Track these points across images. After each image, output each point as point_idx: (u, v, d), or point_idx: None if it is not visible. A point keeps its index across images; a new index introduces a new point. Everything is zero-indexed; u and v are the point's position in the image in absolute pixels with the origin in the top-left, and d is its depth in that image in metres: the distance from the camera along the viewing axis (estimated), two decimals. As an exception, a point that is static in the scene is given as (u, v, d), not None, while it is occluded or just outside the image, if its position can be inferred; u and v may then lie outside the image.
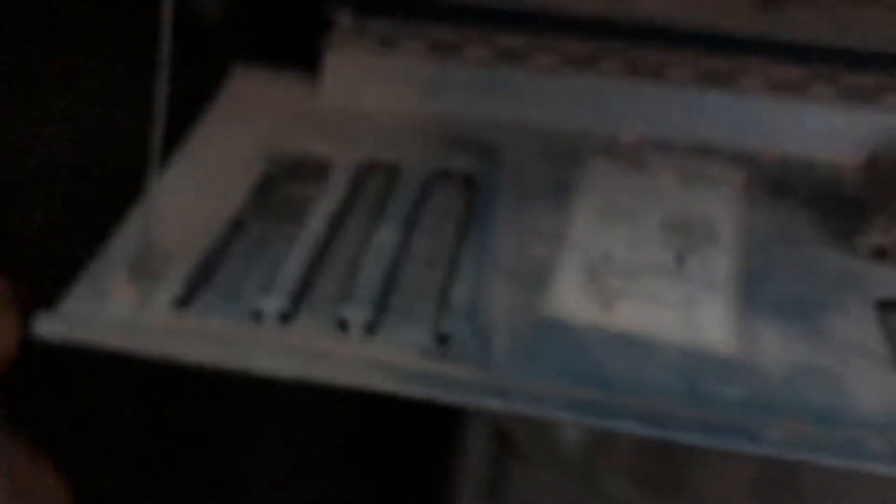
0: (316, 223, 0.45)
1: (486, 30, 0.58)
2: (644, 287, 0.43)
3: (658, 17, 0.55)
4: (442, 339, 0.39)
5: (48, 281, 0.79)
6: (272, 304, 0.40)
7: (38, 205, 0.83)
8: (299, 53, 0.60)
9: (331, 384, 0.38)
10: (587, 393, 0.38)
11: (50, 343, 0.40)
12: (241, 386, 0.81)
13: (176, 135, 0.55)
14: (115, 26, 0.81)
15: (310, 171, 0.50)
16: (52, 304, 0.42)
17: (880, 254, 0.45)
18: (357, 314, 0.39)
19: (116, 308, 0.40)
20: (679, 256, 0.45)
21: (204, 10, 0.56)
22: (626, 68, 0.56)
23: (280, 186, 0.49)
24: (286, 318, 0.40)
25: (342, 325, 0.39)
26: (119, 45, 0.82)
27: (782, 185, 0.51)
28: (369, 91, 0.56)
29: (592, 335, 0.41)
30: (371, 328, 0.39)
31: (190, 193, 0.47)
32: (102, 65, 0.83)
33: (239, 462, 0.81)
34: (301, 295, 0.41)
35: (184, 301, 0.40)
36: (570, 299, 0.42)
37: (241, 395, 0.83)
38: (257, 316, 0.40)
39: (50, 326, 0.40)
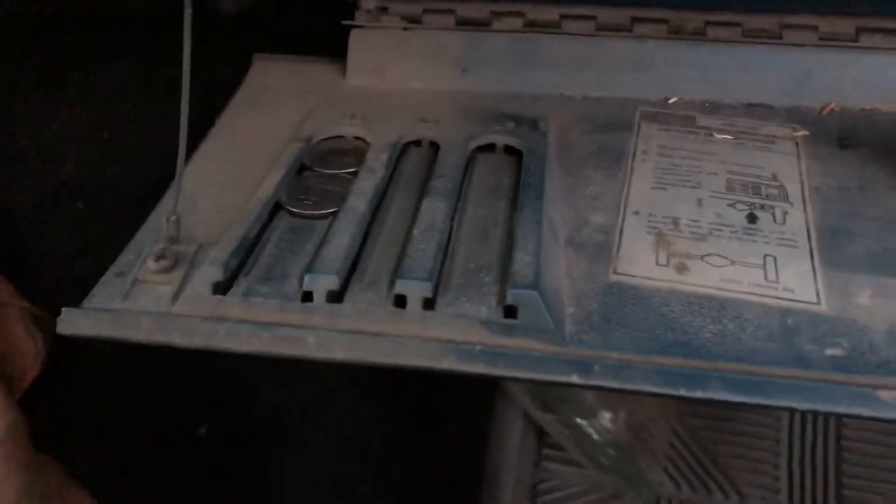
0: (358, 201, 0.41)
1: (514, 2, 0.55)
2: (718, 248, 0.40)
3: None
4: (508, 312, 0.35)
5: (69, 301, 0.76)
6: (320, 284, 0.36)
7: (57, 224, 0.81)
8: (320, 44, 0.58)
9: (392, 365, 0.34)
10: (673, 361, 0.34)
11: (79, 339, 0.37)
12: (273, 396, 0.78)
13: (200, 128, 0.53)
14: (131, 41, 0.79)
15: (344, 152, 0.47)
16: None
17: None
18: (414, 290, 0.36)
19: (148, 299, 0.37)
20: (751, 215, 0.42)
21: (222, 3, 0.53)
22: (665, 31, 0.53)
23: (315, 168, 0.45)
24: (336, 297, 0.36)
25: (399, 302, 0.36)
26: (135, 59, 0.81)
27: (847, 138, 0.48)
28: (397, 70, 0.53)
29: (670, 300, 0.37)
30: (429, 304, 0.36)
31: (219, 180, 0.44)
32: (119, 79, 0.82)
33: (277, 464, 0.78)
34: (350, 274, 0.38)
35: (224, 287, 0.37)
36: (641, 265, 0.39)
37: (274, 407, 0.80)
38: (305, 297, 0.36)
39: (77, 322, 0.36)
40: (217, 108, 0.55)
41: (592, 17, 0.54)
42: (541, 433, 0.78)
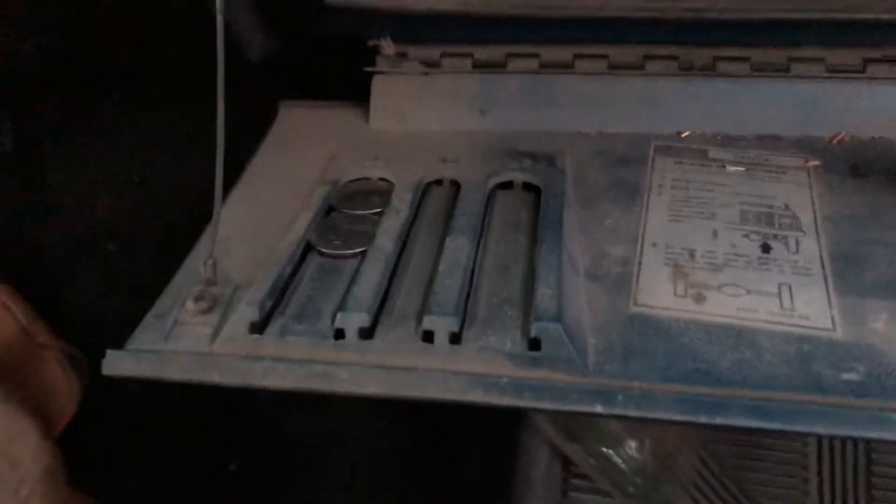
0: (384, 241, 0.43)
1: (529, 45, 0.57)
2: (734, 277, 0.41)
3: (704, 9, 0.54)
4: (532, 345, 0.37)
5: (102, 340, 0.78)
6: (352, 321, 0.38)
7: (89, 267, 0.84)
8: (342, 89, 0.61)
9: (421, 399, 0.36)
10: (694, 390, 0.35)
11: (121, 380, 0.39)
12: (300, 431, 0.79)
13: (231, 172, 0.55)
14: (159, 90, 0.82)
15: (369, 194, 0.49)
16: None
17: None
18: (441, 325, 0.37)
19: (188, 340, 0.39)
20: (764, 245, 0.43)
21: (249, 50, 0.56)
22: (675, 67, 0.55)
23: (342, 211, 0.47)
24: (367, 334, 0.38)
25: (427, 337, 0.37)
26: (163, 108, 0.84)
27: (858, 167, 0.49)
28: (418, 113, 0.55)
29: (689, 330, 0.38)
30: (456, 338, 0.37)
31: (251, 223, 0.46)
32: (147, 126, 0.85)
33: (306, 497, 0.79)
34: (379, 311, 0.39)
35: (260, 327, 0.39)
36: (659, 296, 0.40)
37: (301, 441, 0.82)
38: (338, 334, 0.38)
39: (120, 364, 0.38)
40: (247, 152, 0.57)
41: (604, 57, 0.56)
42: (567, 463, 0.78)
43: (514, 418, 0.77)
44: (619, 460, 0.77)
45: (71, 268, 0.85)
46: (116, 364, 0.38)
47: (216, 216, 0.40)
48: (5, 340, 0.79)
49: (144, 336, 0.39)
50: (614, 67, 0.55)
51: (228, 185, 0.55)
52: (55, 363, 0.79)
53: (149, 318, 0.40)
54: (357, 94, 0.59)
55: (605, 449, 0.76)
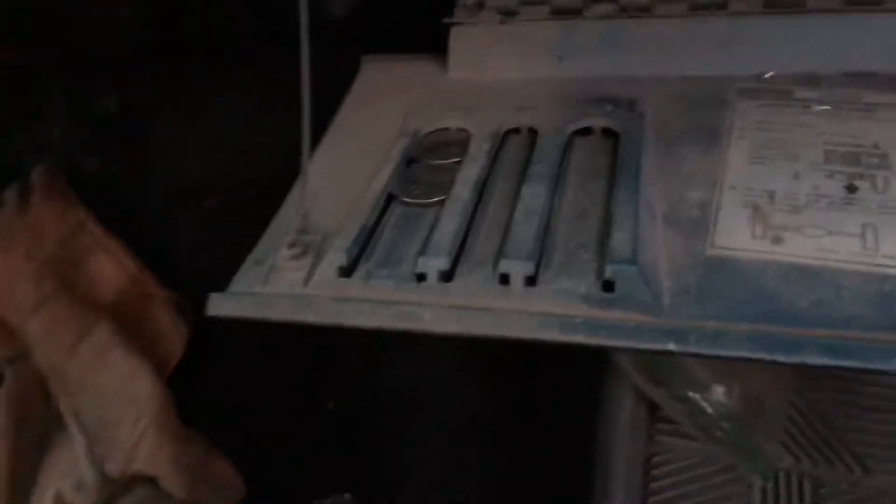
0: (462, 189, 0.45)
1: (606, -12, 0.56)
2: (815, 218, 0.41)
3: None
4: (606, 287, 0.38)
5: (202, 290, 0.84)
6: (432, 265, 0.40)
7: (188, 221, 0.89)
8: (423, 43, 0.62)
9: (498, 338, 0.38)
10: (770, 329, 0.36)
11: (223, 320, 0.42)
12: (395, 373, 0.83)
13: (317, 127, 0.58)
14: (247, 54, 0.86)
15: (448, 144, 0.51)
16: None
17: None
18: (517, 268, 0.39)
19: (284, 283, 0.42)
20: (850, 185, 0.42)
21: (332, 4, 0.58)
22: (760, 4, 0.53)
23: (422, 161, 0.49)
24: (447, 277, 0.40)
25: (503, 280, 0.39)
26: (252, 71, 0.87)
27: (956, 103, 0.47)
28: (495, 62, 0.56)
29: (766, 271, 0.38)
30: (531, 281, 0.39)
31: (338, 175, 0.49)
32: (239, 90, 0.88)
33: (399, 440, 0.83)
34: (458, 255, 0.41)
35: (348, 271, 0.41)
36: (737, 238, 0.40)
37: (393, 370, 0.85)
38: (419, 278, 0.40)
39: (223, 305, 0.42)
40: (331, 108, 0.60)
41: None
42: (652, 408, 0.78)
43: (599, 365, 0.78)
44: (706, 405, 0.76)
45: (172, 223, 0.91)
46: (220, 305, 0.41)
47: (304, 170, 0.43)
48: (119, 290, 0.86)
49: (244, 280, 0.43)
50: (695, 8, 0.54)
51: (316, 139, 0.57)
52: (163, 310, 0.84)
53: (248, 263, 0.44)
54: (436, 47, 0.60)
55: (691, 394, 0.76)
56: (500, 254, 0.40)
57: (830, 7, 0.52)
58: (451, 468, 0.84)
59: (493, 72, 0.56)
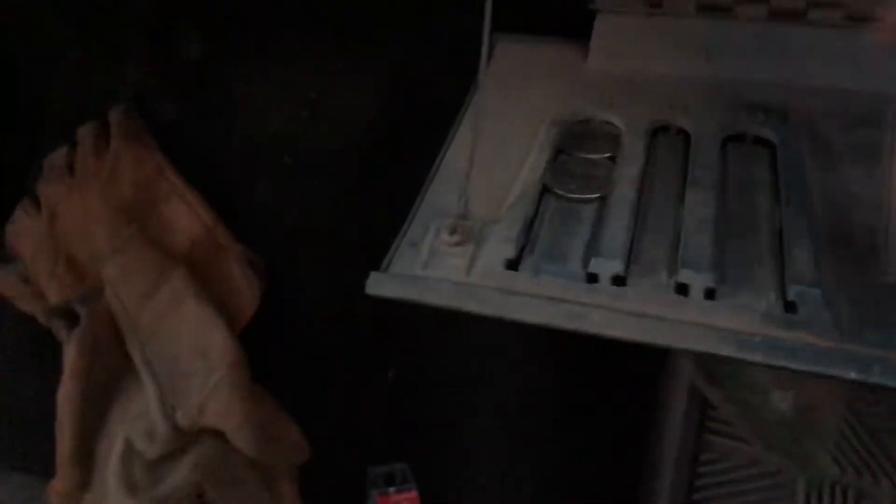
0: (626, 189, 0.44)
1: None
2: None
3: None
4: (788, 307, 0.37)
5: (277, 248, 0.83)
6: (606, 267, 0.39)
7: (266, 177, 0.88)
8: (555, 24, 0.61)
9: (672, 347, 0.37)
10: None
11: (382, 299, 0.42)
12: (460, 347, 0.83)
13: (451, 106, 0.56)
14: (335, 13, 0.84)
15: (596, 136, 0.50)
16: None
17: None
18: (697, 280, 0.38)
19: (445, 268, 0.41)
20: None
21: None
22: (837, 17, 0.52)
23: (571, 153, 0.48)
24: (619, 281, 0.39)
25: (681, 290, 0.39)
26: (339, 30, 0.86)
27: None
28: (641, 55, 0.55)
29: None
30: (711, 294, 0.38)
31: (483, 159, 0.48)
32: (325, 47, 0.87)
33: (456, 415, 0.84)
34: (629, 259, 0.41)
35: (514, 264, 0.41)
36: (912, 267, 0.40)
37: (461, 355, 0.86)
38: (591, 278, 0.39)
39: (385, 285, 0.41)
40: (458, 84, 0.58)
41: (839, 5, 0.53)
42: (705, 406, 0.78)
43: (657, 360, 0.78)
44: (762, 409, 0.77)
45: (249, 177, 0.90)
46: (381, 285, 0.41)
47: (472, 157, 0.42)
48: (192, 239, 0.85)
49: (402, 261, 0.42)
50: (851, 18, 0.53)
51: (441, 114, 0.56)
52: (236, 264, 0.84)
53: (403, 245, 0.43)
54: (569, 30, 0.59)
55: (748, 396, 0.77)
56: (675, 262, 0.40)
57: None
58: (503, 449, 0.85)
59: (637, 64, 0.54)
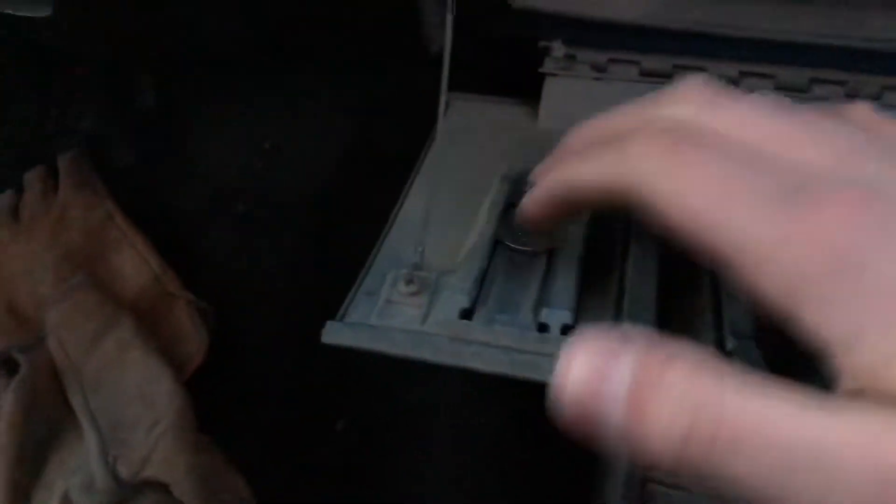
0: (573, 241, 0.46)
1: (695, 58, 0.59)
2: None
3: (876, 39, 0.55)
4: (729, 355, 0.40)
5: (230, 297, 0.83)
6: (556, 317, 0.41)
7: (219, 226, 0.89)
8: (506, 85, 0.64)
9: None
10: None
11: (337, 348, 0.43)
12: (409, 397, 0.84)
13: (405, 160, 0.58)
14: (297, 55, 0.86)
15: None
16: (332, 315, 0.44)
17: None
18: (636, 330, 0.40)
19: (400, 318, 0.43)
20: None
21: (431, 43, 0.59)
22: (841, 92, 0.56)
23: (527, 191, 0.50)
24: (568, 330, 0.41)
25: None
26: (298, 73, 0.87)
27: None
28: (587, 115, 0.57)
29: None
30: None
31: (439, 213, 0.49)
32: (280, 98, 0.89)
33: (409, 463, 0.84)
34: (578, 309, 0.42)
35: (468, 313, 0.42)
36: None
37: (410, 405, 0.86)
38: (541, 328, 0.41)
39: (340, 334, 0.42)
40: (414, 141, 0.60)
41: (771, 77, 0.58)
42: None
43: None
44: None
45: (202, 225, 0.90)
46: (337, 334, 0.42)
47: (427, 208, 0.44)
48: (141, 287, 0.84)
49: (358, 311, 0.43)
50: (781, 88, 0.57)
51: (398, 168, 0.58)
52: (184, 313, 0.83)
53: (360, 294, 0.44)
54: (520, 90, 0.62)
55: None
56: (621, 312, 0.42)
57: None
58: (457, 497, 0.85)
59: (583, 125, 0.57)
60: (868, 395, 0.22)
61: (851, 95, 0.56)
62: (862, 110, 0.30)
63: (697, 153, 0.26)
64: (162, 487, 0.74)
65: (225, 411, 0.83)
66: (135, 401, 0.77)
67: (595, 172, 0.32)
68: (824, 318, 0.23)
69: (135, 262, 0.85)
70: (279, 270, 0.85)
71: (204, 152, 0.91)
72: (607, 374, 0.24)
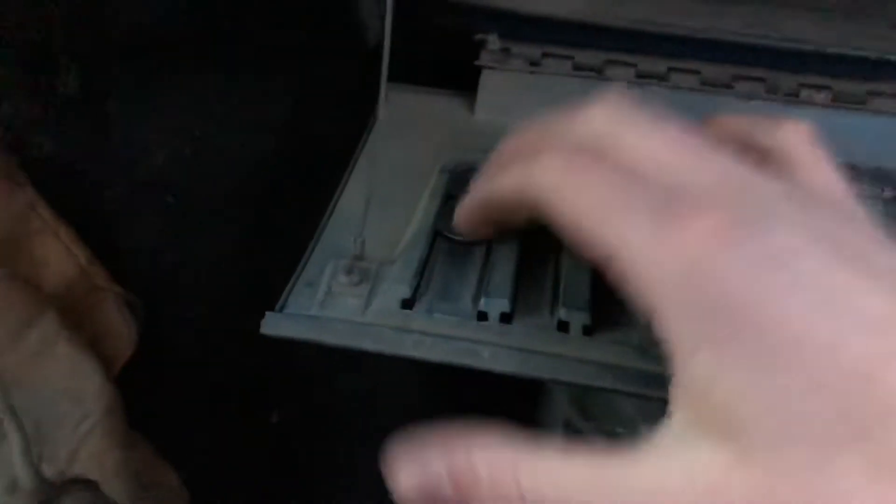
0: (510, 233, 0.47)
1: (626, 54, 0.61)
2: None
3: (794, 38, 0.58)
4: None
5: (158, 289, 0.81)
6: (494, 306, 0.42)
7: (146, 216, 0.86)
8: (442, 76, 0.64)
9: (554, 381, 0.40)
10: None
11: (276, 340, 0.43)
12: (348, 387, 0.84)
13: (342, 152, 0.58)
14: (230, 43, 0.84)
15: (483, 183, 0.53)
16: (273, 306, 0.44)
17: None
18: (575, 317, 0.42)
19: (341, 308, 0.43)
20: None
21: (366, 35, 0.59)
22: (762, 90, 0.59)
23: (461, 198, 0.51)
24: (507, 319, 0.42)
25: (562, 327, 0.42)
26: (223, 66, 0.86)
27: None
28: (522, 109, 0.58)
29: None
30: (588, 330, 0.42)
31: (376, 203, 0.50)
32: (213, 86, 0.87)
33: (345, 454, 0.84)
34: (515, 298, 0.43)
35: (409, 303, 0.43)
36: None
37: (347, 395, 0.86)
38: (480, 316, 0.42)
39: (279, 325, 0.42)
40: (351, 132, 0.60)
41: (697, 72, 0.60)
42: (582, 441, 0.82)
43: (533, 395, 0.82)
44: (631, 440, 0.82)
45: (129, 215, 0.87)
46: (276, 325, 0.41)
47: (367, 200, 0.44)
48: (67, 281, 0.81)
49: (298, 301, 0.43)
50: (707, 84, 0.60)
51: (336, 161, 0.58)
52: (113, 306, 0.81)
53: (299, 285, 0.44)
54: (457, 82, 0.63)
55: (619, 429, 0.82)
56: (555, 301, 0.43)
57: (821, 102, 0.58)
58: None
59: (520, 116, 0.58)
60: (686, 422, 0.28)
61: (771, 91, 0.59)
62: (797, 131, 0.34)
63: (589, 168, 0.31)
64: (91, 485, 0.72)
65: (157, 406, 0.81)
66: (61, 397, 0.75)
67: (509, 184, 0.36)
68: (673, 324, 0.26)
69: (59, 254, 0.82)
70: (213, 261, 0.84)
71: (130, 141, 0.88)
72: (432, 489, 0.30)
